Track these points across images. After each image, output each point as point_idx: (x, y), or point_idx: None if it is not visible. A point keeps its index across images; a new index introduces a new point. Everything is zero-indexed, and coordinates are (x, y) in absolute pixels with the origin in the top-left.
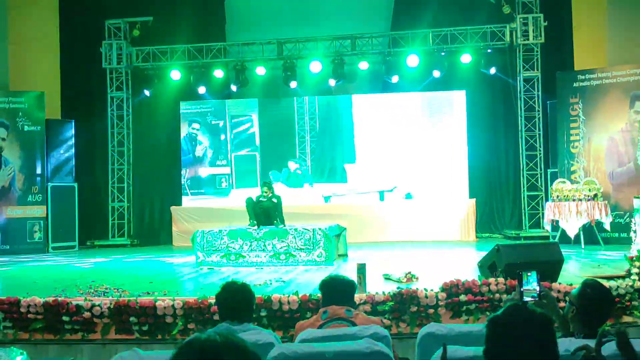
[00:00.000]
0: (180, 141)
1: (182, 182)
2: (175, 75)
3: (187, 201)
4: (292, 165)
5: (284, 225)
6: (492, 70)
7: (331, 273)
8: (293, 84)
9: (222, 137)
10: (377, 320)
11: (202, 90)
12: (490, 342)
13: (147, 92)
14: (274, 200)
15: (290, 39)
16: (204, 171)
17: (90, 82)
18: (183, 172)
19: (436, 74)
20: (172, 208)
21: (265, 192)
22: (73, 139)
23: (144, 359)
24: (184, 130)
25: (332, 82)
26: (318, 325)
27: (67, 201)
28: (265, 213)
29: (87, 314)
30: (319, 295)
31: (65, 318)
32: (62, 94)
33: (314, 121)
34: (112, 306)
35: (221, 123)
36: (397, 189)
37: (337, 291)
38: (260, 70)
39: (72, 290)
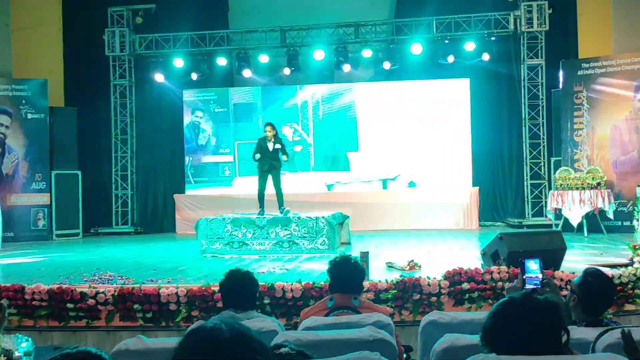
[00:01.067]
0: (183, 129)
1: (186, 170)
2: (178, 62)
3: (191, 189)
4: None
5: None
6: (485, 57)
7: (342, 254)
8: (295, 71)
9: (226, 125)
10: (384, 309)
11: (204, 77)
12: (496, 330)
13: (156, 78)
14: (278, 147)
15: (293, 27)
16: (208, 159)
17: (93, 70)
18: (186, 160)
19: (450, 59)
20: (176, 196)
21: (268, 132)
22: (76, 127)
23: (149, 346)
24: (187, 118)
25: (346, 68)
26: (324, 314)
27: (71, 189)
28: (274, 158)
29: (91, 301)
30: (322, 283)
31: (69, 305)
32: (65, 81)
33: (317, 109)
34: (116, 293)
35: (224, 111)
36: (401, 177)
37: (346, 278)
38: (263, 58)
39: (77, 277)
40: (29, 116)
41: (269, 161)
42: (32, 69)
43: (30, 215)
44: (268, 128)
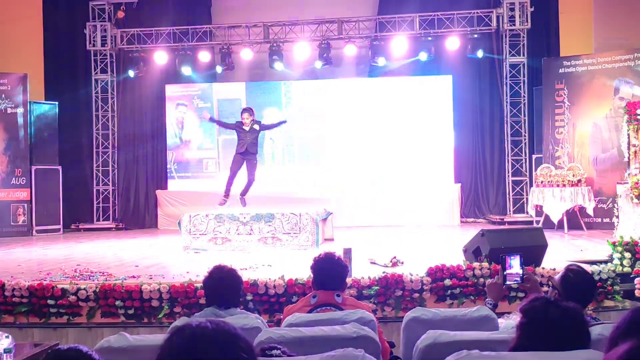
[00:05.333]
0: (165, 125)
1: (169, 166)
2: (161, 58)
3: (174, 184)
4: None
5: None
6: (480, 54)
7: (325, 251)
8: (279, 67)
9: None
10: (367, 306)
11: (187, 72)
12: (525, 334)
13: (131, 73)
14: (256, 127)
15: (276, 22)
16: (191, 154)
17: (74, 64)
18: (170, 155)
19: (422, 56)
20: (158, 192)
21: (246, 119)
22: (57, 122)
23: (132, 342)
24: (171, 114)
25: (329, 64)
26: (307, 310)
27: (51, 184)
28: (252, 140)
29: (72, 298)
30: (305, 279)
31: (50, 302)
32: (46, 76)
33: (301, 105)
34: (97, 290)
35: (208, 106)
36: (384, 173)
37: (329, 275)
38: (247, 54)
39: (58, 273)
40: (9, 110)
41: (245, 143)
42: (12, 63)
43: (10, 210)
44: (245, 115)
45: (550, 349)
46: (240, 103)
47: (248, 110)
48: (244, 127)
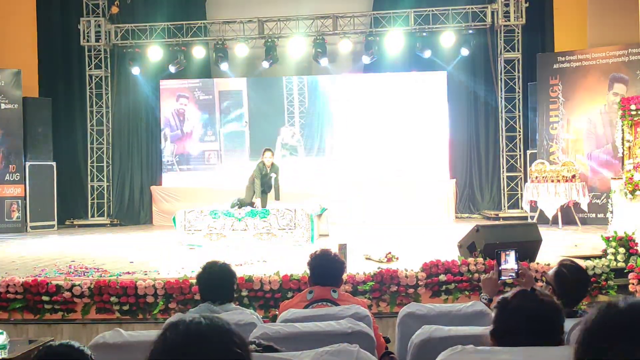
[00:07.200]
0: (160, 120)
1: (170, 158)
2: (155, 53)
3: (173, 178)
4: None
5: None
6: (464, 51)
7: (322, 248)
8: (274, 64)
9: (211, 113)
10: (362, 301)
11: (182, 68)
12: (499, 324)
13: (133, 69)
14: (273, 174)
15: (271, 18)
16: (193, 146)
17: (68, 60)
18: (172, 147)
19: (427, 53)
20: (152, 187)
21: (266, 159)
22: (51, 118)
23: (127, 338)
24: (170, 107)
25: (324, 60)
26: (303, 306)
27: (46, 180)
28: (269, 184)
29: (67, 294)
30: (300, 275)
31: (45, 298)
32: (40, 71)
33: (302, 99)
34: (92, 286)
35: (210, 99)
36: (379, 169)
37: (325, 272)
38: (242, 49)
39: (52, 270)
40: (3, 107)
41: (263, 185)
42: (6, 59)
43: (4, 207)
44: (268, 155)
45: (523, 341)
46: (241, 95)
47: (271, 150)
48: (266, 168)
